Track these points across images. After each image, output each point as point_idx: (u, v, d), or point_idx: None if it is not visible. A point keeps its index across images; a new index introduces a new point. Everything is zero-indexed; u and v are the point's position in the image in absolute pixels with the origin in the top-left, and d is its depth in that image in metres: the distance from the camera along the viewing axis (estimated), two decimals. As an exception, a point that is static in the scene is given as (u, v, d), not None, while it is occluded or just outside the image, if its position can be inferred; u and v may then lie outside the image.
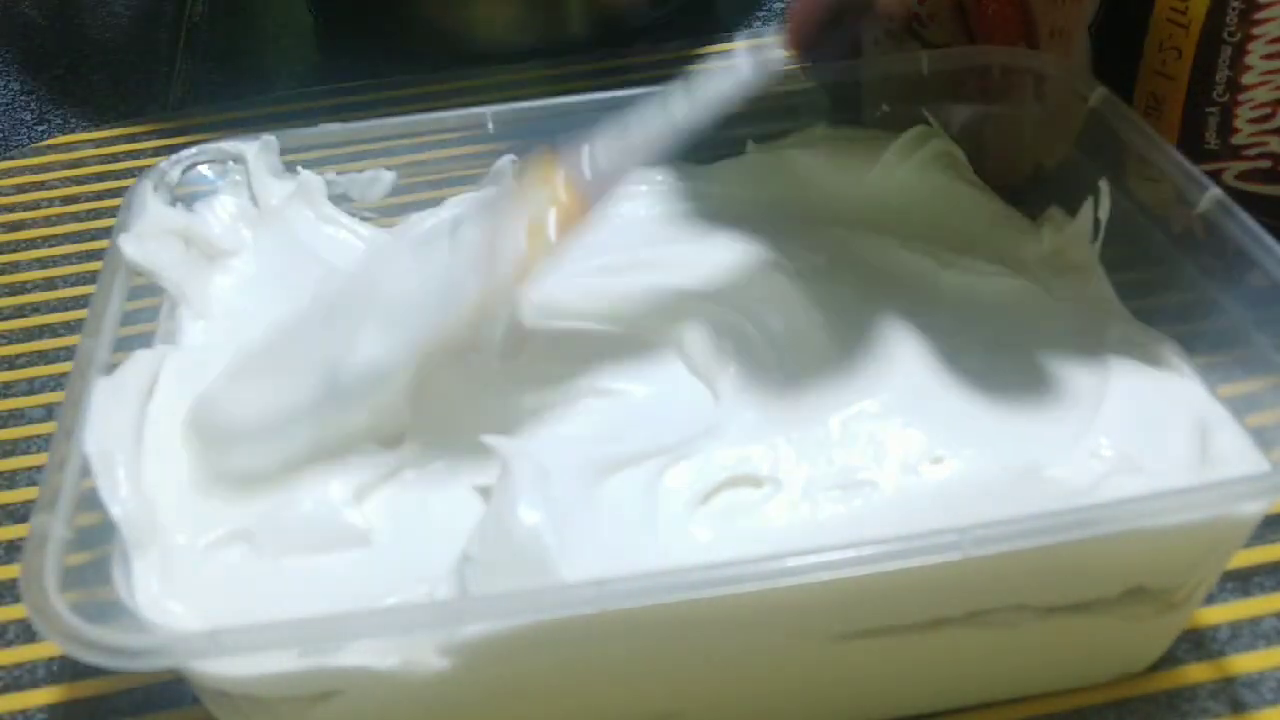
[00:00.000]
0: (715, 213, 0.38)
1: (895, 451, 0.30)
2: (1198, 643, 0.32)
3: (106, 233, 0.35)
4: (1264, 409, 0.29)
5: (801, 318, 0.33)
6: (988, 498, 0.28)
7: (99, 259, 0.46)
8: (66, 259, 0.48)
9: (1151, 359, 0.32)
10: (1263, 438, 0.29)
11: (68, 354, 0.30)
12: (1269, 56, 0.36)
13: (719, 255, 0.35)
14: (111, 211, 0.49)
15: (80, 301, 0.45)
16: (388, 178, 0.38)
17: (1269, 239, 0.30)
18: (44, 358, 0.43)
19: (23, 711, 0.33)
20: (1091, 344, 0.33)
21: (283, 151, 0.37)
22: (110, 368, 0.31)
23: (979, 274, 0.35)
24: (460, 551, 0.28)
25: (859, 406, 0.31)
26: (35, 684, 0.33)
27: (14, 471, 0.39)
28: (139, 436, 0.30)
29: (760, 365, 0.32)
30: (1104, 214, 0.35)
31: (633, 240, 0.36)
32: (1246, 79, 0.37)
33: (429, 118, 0.38)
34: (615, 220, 0.37)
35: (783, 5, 0.61)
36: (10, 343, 0.44)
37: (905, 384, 0.31)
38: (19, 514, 0.38)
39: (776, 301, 0.34)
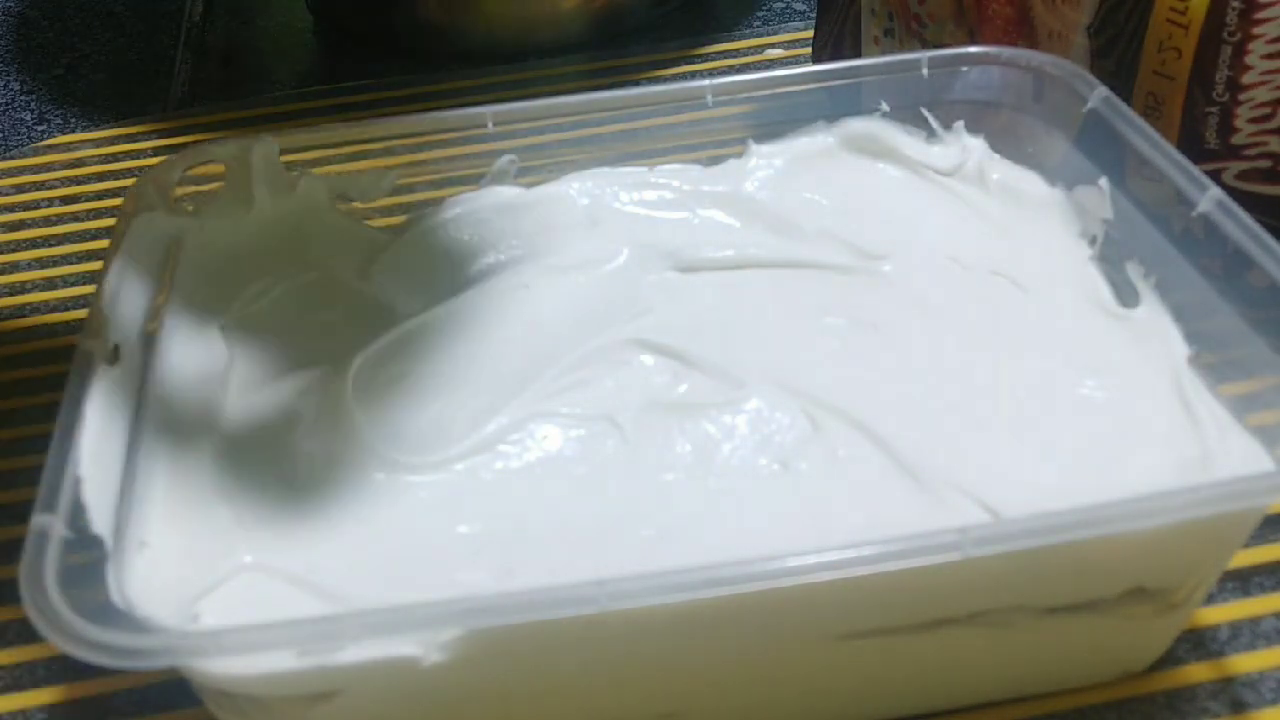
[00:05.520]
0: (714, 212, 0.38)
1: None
2: (1198, 643, 0.32)
3: (106, 233, 0.35)
4: (1264, 409, 0.29)
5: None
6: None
7: (99, 259, 0.46)
8: (66, 259, 0.48)
9: (1150, 359, 0.32)
10: (1263, 437, 0.29)
11: (68, 354, 0.30)
12: (1269, 56, 0.36)
13: (714, 255, 0.36)
14: (111, 211, 0.49)
15: (80, 301, 0.46)
16: (388, 178, 0.38)
17: (1269, 239, 0.30)
18: (44, 358, 0.43)
19: (23, 711, 0.33)
20: (1086, 343, 0.33)
21: (283, 151, 0.37)
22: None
23: (974, 272, 0.35)
24: None
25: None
26: (35, 684, 0.33)
27: (14, 471, 0.39)
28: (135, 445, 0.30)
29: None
30: (1104, 214, 0.35)
31: (633, 240, 0.36)
32: (1246, 79, 0.37)
33: (429, 118, 0.38)
34: (616, 220, 0.37)
35: (782, 4, 0.61)
36: (10, 343, 0.44)
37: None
38: (19, 514, 0.38)
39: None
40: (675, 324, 0.34)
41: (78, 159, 0.53)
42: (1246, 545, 0.32)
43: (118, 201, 0.36)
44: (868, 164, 0.39)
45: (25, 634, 0.35)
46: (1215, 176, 0.36)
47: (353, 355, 0.33)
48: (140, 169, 0.51)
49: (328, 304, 0.35)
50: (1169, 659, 0.32)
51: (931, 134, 0.38)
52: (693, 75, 0.56)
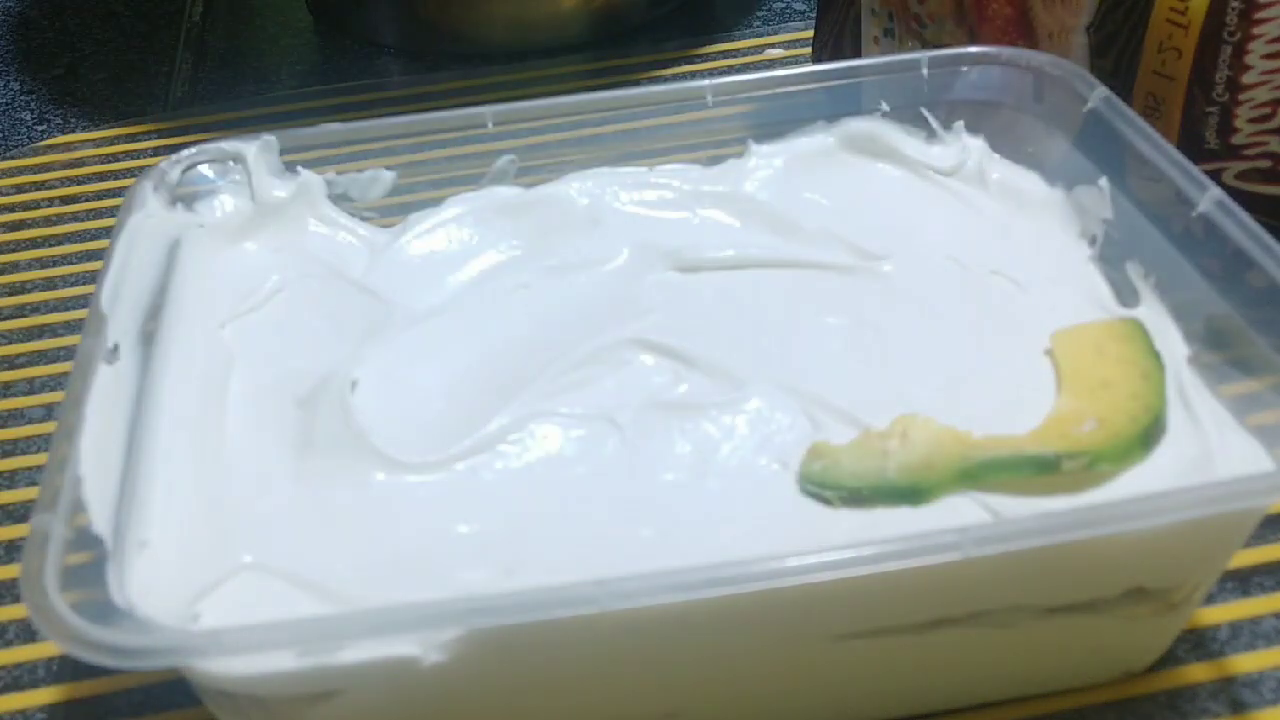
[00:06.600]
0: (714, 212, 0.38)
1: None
2: (1198, 643, 0.32)
3: (106, 233, 0.35)
4: (1264, 409, 0.29)
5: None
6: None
7: (99, 259, 0.46)
8: (66, 259, 0.48)
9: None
10: (1263, 437, 0.29)
11: (68, 354, 0.30)
12: (1269, 56, 0.36)
13: (714, 255, 0.36)
14: (111, 211, 0.49)
15: (80, 301, 0.46)
16: (388, 178, 0.38)
17: (1269, 239, 0.30)
18: (44, 358, 0.43)
19: (22, 711, 0.33)
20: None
21: (283, 151, 0.37)
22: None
23: (974, 272, 0.35)
24: None
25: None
26: (35, 684, 0.33)
27: (14, 471, 0.39)
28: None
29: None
30: (1104, 214, 0.35)
31: (633, 240, 0.37)
32: (1246, 79, 0.37)
33: (429, 118, 0.38)
34: (616, 220, 0.37)
35: (782, 4, 0.61)
36: (10, 343, 0.44)
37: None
38: (19, 514, 0.38)
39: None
40: (675, 324, 0.34)
41: (78, 159, 0.53)
42: (1246, 545, 0.32)
43: (118, 201, 0.36)
44: (868, 164, 0.39)
45: (25, 634, 0.35)
46: (1215, 176, 0.36)
47: (353, 355, 0.33)
48: (140, 169, 0.51)
49: (328, 304, 0.35)
50: (1169, 659, 0.32)
51: (931, 134, 0.38)
52: (693, 75, 0.56)
